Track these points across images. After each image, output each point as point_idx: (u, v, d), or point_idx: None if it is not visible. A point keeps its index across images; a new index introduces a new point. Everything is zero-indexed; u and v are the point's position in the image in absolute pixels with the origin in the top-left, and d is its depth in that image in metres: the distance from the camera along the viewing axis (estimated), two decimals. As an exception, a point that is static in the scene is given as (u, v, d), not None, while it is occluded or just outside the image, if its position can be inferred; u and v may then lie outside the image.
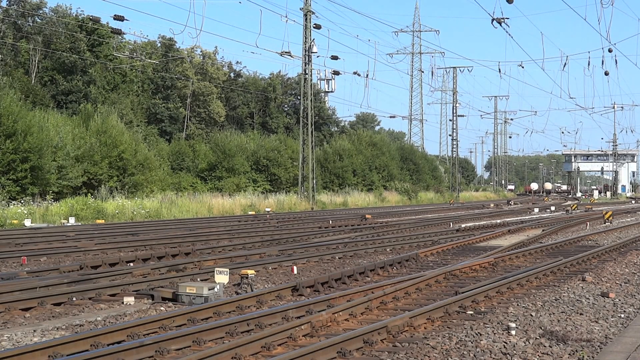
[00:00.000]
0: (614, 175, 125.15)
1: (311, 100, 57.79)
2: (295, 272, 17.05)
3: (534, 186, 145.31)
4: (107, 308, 12.53)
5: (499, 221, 37.69)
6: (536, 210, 53.90)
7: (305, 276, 16.32)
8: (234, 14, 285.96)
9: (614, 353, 8.79)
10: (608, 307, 12.68)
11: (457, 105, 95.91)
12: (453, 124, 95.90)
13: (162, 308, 12.51)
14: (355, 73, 62.61)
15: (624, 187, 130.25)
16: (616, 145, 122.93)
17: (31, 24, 63.85)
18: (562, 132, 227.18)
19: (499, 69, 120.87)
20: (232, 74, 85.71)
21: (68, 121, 47.36)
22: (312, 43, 55.89)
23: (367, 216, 38.83)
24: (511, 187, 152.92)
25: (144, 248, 22.28)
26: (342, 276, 15.26)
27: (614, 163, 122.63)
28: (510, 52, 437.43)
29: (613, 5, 35.35)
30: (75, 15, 63.50)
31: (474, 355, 9.18)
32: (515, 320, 11.26)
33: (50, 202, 37.68)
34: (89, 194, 43.05)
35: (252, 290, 13.42)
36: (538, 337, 10.12)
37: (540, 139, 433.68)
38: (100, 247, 21.77)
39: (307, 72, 56.80)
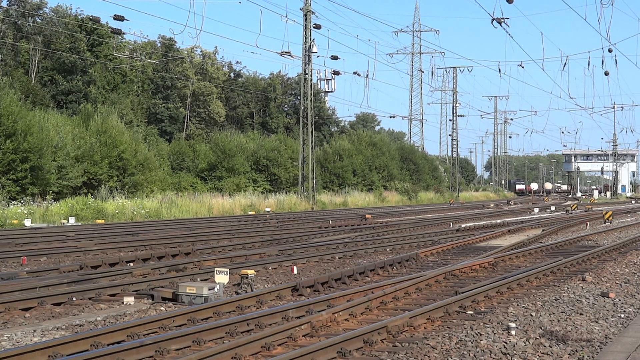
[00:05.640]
0: (614, 175, 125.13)
1: (311, 100, 57.79)
2: (295, 272, 17.05)
3: (534, 186, 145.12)
4: (107, 308, 12.53)
5: (499, 221, 37.69)
6: (536, 210, 53.89)
7: (305, 276, 16.32)
8: (234, 14, 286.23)
9: (614, 353, 8.79)
10: (608, 307, 12.68)
11: (457, 105, 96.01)
12: (453, 124, 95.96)
13: (162, 308, 12.51)
14: (355, 73, 62.65)
15: (624, 187, 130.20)
16: (616, 145, 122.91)
17: (31, 24, 63.81)
18: (562, 132, 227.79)
19: (499, 69, 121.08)
20: (232, 74, 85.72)
21: (68, 121, 47.36)
22: (312, 43, 55.89)
23: (367, 216, 38.82)
24: (521, 186, 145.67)
25: (144, 248, 22.27)
26: (342, 276, 15.26)
27: (614, 163, 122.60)
28: (510, 52, 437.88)
29: (613, 5, 35.35)
30: (75, 15, 63.48)
31: (474, 355, 9.18)
32: (515, 320, 11.26)
33: (50, 202, 37.68)
34: (89, 194, 43.04)
35: (252, 290, 13.42)
36: (538, 337, 10.12)
37: (540, 139, 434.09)
38: (100, 247, 21.77)
39: (307, 72, 56.80)
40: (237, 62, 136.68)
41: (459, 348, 9.53)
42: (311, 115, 57.30)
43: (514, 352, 9.34)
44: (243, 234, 27.82)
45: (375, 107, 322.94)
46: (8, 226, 31.43)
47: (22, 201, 36.60)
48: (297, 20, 62.07)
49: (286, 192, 59.57)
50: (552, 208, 57.20)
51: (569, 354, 9.30)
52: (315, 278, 14.66)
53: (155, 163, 52.50)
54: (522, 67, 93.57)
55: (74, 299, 12.89)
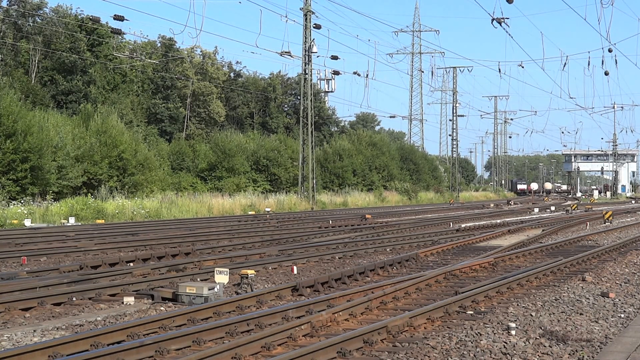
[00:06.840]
0: (614, 175, 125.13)
1: (311, 100, 57.79)
2: (295, 272, 17.05)
3: (534, 186, 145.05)
4: (107, 308, 12.52)
5: (499, 221, 37.68)
6: (536, 210, 53.88)
7: (305, 276, 16.32)
8: (234, 14, 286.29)
9: (614, 353, 8.79)
10: (608, 307, 12.68)
11: (457, 105, 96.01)
12: (453, 124, 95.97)
13: (162, 308, 12.51)
14: (355, 73, 62.68)
15: (624, 187, 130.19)
16: (616, 145, 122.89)
17: (31, 24, 63.81)
18: (562, 132, 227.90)
19: (499, 69, 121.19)
20: (232, 74, 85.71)
21: (68, 121, 47.38)
22: (312, 43, 55.89)
23: (367, 216, 38.81)
24: (522, 186, 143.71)
25: (144, 248, 22.27)
26: (342, 276, 15.26)
27: (614, 163, 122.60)
28: (510, 52, 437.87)
29: (613, 5, 35.36)
30: (75, 15, 63.49)
31: (474, 355, 9.17)
32: (515, 320, 11.26)
33: (50, 202, 37.68)
34: (89, 194, 43.05)
35: (252, 290, 13.42)
36: (538, 337, 10.12)
37: (540, 139, 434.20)
38: (100, 247, 21.77)
39: (307, 72, 56.80)
40: (237, 62, 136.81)
41: (459, 348, 9.53)
42: (311, 115, 57.30)
43: (514, 352, 9.34)
44: (243, 234, 27.82)
45: (375, 107, 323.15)
46: (8, 226, 31.43)
47: (22, 201, 36.60)
48: (297, 20, 62.10)
49: (286, 192, 59.58)
50: (552, 208, 57.19)
51: (569, 354, 9.30)
52: (315, 278, 14.66)
53: (155, 163, 52.51)
54: (522, 67, 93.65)
55: (74, 299, 12.89)
